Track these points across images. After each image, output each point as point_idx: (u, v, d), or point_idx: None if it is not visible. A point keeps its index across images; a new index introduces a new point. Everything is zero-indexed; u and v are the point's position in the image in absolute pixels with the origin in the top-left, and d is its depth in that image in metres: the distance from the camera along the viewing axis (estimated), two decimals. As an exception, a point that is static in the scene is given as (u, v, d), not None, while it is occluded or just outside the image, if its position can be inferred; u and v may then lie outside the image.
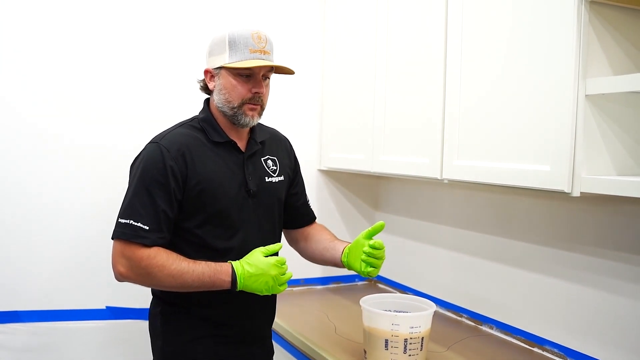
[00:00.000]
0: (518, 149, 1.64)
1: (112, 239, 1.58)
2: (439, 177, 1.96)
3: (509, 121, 1.68)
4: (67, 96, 2.36)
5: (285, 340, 2.24)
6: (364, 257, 1.69)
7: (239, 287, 1.57)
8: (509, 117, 1.67)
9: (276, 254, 1.66)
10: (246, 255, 1.61)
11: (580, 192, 1.50)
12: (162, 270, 1.54)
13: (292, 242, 1.98)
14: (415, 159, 2.08)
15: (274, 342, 1.92)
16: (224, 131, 1.69)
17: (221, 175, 1.65)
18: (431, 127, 1.98)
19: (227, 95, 1.64)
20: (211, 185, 1.62)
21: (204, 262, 1.57)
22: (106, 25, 2.40)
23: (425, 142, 2.02)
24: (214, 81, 1.67)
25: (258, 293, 1.59)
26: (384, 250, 1.71)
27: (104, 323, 2.45)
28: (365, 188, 2.96)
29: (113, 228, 1.58)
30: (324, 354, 1.94)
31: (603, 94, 1.47)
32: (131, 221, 1.55)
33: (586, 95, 1.48)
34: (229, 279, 1.56)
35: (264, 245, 1.65)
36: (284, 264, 1.61)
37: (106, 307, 2.44)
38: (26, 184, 2.30)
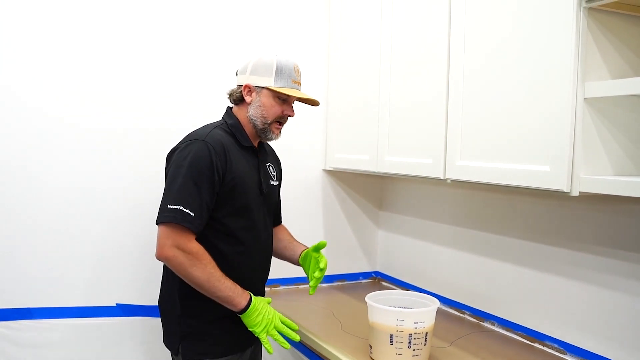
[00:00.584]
0: (519, 150, 1.69)
1: (159, 223, 1.78)
2: (442, 177, 2.01)
3: (510, 123, 1.73)
4: (88, 95, 2.39)
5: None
6: (316, 275, 2.03)
7: (246, 313, 1.84)
8: (510, 119, 1.72)
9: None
10: (260, 297, 1.92)
11: (579, 192, 1.54)
12: (204, 269, 1.78)
13: None
14: (419, 159, 2.13)
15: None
16: (249, 138, 1.98)
17: (246, 174, 1.92)
18: (434, 129, 2.03)
19: (264, 111, 1.93)
20: (241, 182, 1.88)
21: (231, 281, 1.83)
22: (127, 14, 2.44)
23: (429, 143, 2.07)
24: (251, 96, 1.94)
25: (249, 325, 1.87)
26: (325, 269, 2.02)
27: (114, 320, 2.47)
28: (370, 188, 3.01)
29: (158, 214, 1.79)
30: (330, 349, 1.99)
31: (601, 97, 1.52)
32: (181, 207, 1.76)
33: (585, 99, 1.53)
34: (245, 302, 1.84)
35: (267, 235, 2.04)
36: (288, 325, 1.92)
37: (116, 304, 2.47)
38: (39, 184, 2.33)
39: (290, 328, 1.91)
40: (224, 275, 1.81)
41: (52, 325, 2.38)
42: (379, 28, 2.38)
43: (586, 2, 1.50)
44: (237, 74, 2.02)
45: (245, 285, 1.89)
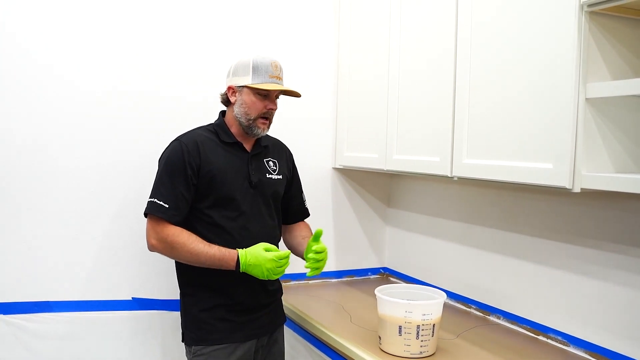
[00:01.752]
0: (523, 148, 1.76)
1: (144, 215, 2.02)
2: (449, 175, 2.07)
3: (514, 123, 1.79)
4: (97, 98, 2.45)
5: (303, 329, 2.37)
6: (310, 256, 2.04)
7: (242, 270, 1.94)
8: (515, 119, 1.79)
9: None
10: (252, 246, 1.98)
11: (581, 188, 1.60)
12: (183, 247, 1.94)
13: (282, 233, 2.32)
14: (426, 157, 2.19)
15: (293, 332, 2.14)
16: (233, 135, 2.10)
17: (228, 167, 2.04)
18: (442, 128, 2.10)
19: (246, 109, 2.05)
20: (220, 172, 2.01)
21: (217, 246, 1.96)
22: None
23: (436, 142, 2.13)
24: (235, 96, 2.07)
25: (257, 277, 1.95)
26: (325, 253, 2.06)
27: (130, 313, 2.53)
28: (378, 185, 3.07)
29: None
30: (341, 341, 2.06)
31: (602, 97, 1.58)
32: (155, 200, 1.97)
33: (586, 99, 1.59)
34: (233, 263, 1.94)
35: (262, 226, 2.09)
36: (282, 258, 1.96)
37: (132, 298, 2.52)
38: (55, 180, 2.39)
39: (283, 259, 1.97)
40: (208, 245, 1.95)
41: (71, 319, 2.43)
42: (388, 30, 2.44)
43: (588, 6, 1.55)
44: None
45: (246, 278, 1.99)
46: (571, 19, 1.58)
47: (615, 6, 1.53)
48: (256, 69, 2.02)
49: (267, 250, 1.96)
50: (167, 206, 1.95)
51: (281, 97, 2.16)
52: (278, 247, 2.11)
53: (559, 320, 2.06)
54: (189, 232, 1.97)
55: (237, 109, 2.07)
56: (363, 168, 2.71)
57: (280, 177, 2.20)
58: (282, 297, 2.26)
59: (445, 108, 2.08)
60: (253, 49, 2.64)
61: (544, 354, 1.98)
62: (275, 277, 1.98)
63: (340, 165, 2.88)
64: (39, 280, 2.39)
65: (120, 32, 2.47)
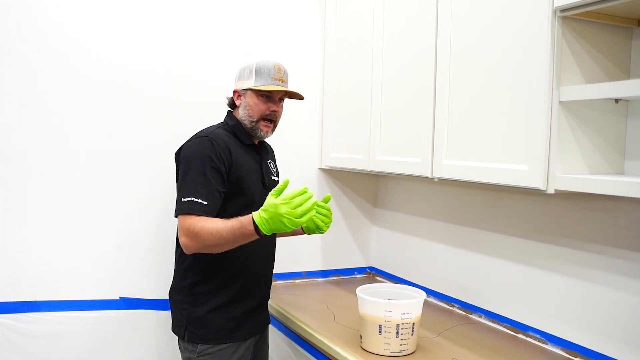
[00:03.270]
0: (499, 150, 1.79)
1: (177, 216, 1.91)
2: (429, 176, 2.11)
3: (491, 125, 1.82)
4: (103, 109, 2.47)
5: (287, 328, 2.40)
6: (315, 211, 1.85)
7: (264, 231, 1.75)
8: (491, 121, 1.82)
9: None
10: (264, 203, 1.77)
11: (555, 190, 1.64)
12: (203, 229, 1.82)
13: None
14: (408, 159, 2.23)
15: (278, 331, 2.17)
16: (250, 136, 2.11)
17: (250, 169, 2.06)
18: (423, 130, 2.13)
19: (249, 111, 2.06)
20: (246, 175, 2.03)
21: (233, 219, 1.81)
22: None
23: (418, 143, 2.16)
24: (240, 99, 2.09)
25: (284, 230, 1.74)
26: (329, 209, 2.08)
27: (118, 313, 2.54)
28: (364, 186, 3.10)
29: (175, 207, 1.91)
30: (323, 340, 2.08)
31: (575, 100, 1.61)
32: (193, 198, 1.88)
33: (560, 102, 1.62)
34: (252, 227, 1.77)
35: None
36: (293, 197, 1.73)
37: (120, 297, 2.54)
38: (47, 180, 2.40)
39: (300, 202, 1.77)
40: (225, 220, 1.82)
41: (58, 318, 2.45)
42: (371, 34, 2.48)
43: (560, 11, 1.59)
44: None
45: (251, 276, 2.07)
46: (544, 24, 1.61)
47: (588, 11, 1.57)
48: (259, 72, 2.03)
49: (276, 195, 1.76)
50: (207, 203, 1.89)
51: None
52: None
53: (538, 318, 2.10)
54: (205, 217, 1.86)
55: (241, 112, 2.09)
56: (348, 169, 2.74)
57: (277, 179, 2.25)
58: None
59: (425, 111, 2.12)
60: (239, 50, 2.67)
61: (522, 352, 2.01)
62: (301, 221, 1.73)
63: (326, 165, 2.91)
64: (27, 280, 2.40)
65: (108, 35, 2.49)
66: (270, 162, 2.23)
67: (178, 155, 2.04)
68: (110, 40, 2.48)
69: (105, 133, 2.50)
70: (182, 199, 1.90)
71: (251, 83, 2.04)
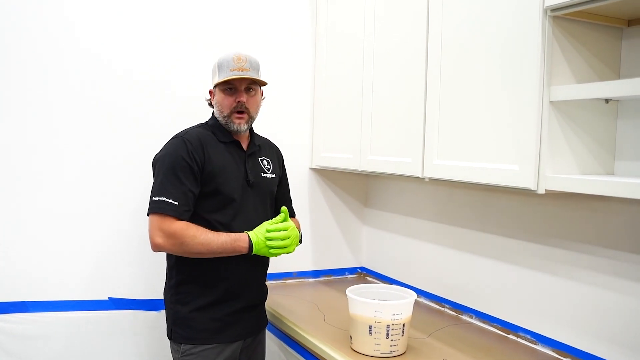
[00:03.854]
0: (490, 150, 1.78)
1: (148, 215, 1.94)
2: (420, 175, 2.10)
3: (482, 125, 1.81)
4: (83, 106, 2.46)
5: (277, 328, 2.38)
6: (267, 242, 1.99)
7: (254, 252, 1.95)
8: (482, 121, 1.81)
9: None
10: (257, 227, 1.99)
11: (545, 190, 1.63)
12: (194, 240, 1.90)
13: None
14: (399, 158, 2.22)
15: (268, 332, 2.13)
16: (229, 133, 2.08)
17: (228, 166, 2.04)
18: (413, 130, 2.12)
19: (219, 107, 2.07)
20: (221, 172, 2.00)
21: (225, 233, 1.95)
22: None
23: (408, 143, 2.16)
24: (213, 98, 2.11)
25: (274, 255, 2.00)
26: (288, 231, 2.00)
27: (107, 313, 2.53)
28: (355, 186, 3.09)
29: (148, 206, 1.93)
30: (313, 341, 2.08)
31: (566, 100, 1.61)
32: (163, 198, 1.91)
33: (550, 102, 1.62)
34: (246, 245, 1.94)
35: (257, 225, 2.02)
36: (279, 229, 1.97)
37: (108, 298, 2.52)
38: (32, 180, 2.39)
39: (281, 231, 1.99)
40: (216, 234, 1.93)
41: (47, 319, 2.43)
42: (362, 33, 2.47)
43: (551, 10, 1.58)
44: None
45: (238, 277, 2.04)
46: (535, 24, 1.61)
47: (578, 11, 1.56)
48: (220, 67, 2.03)
49: (269, 230, 1.97)
50: (177, 203, 1.91)
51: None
52: None
53: (529, 319, 2.09)
54: (195, 225, 1.93)
55: (215, 110, 2.10)
56: (339, 168, 2.73)
57: (273, 176, 2.21)
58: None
59: (416, 110, 2.11)
60: (228, 49, 2.65)
61: (512, 353, 2.01)
62: (290, 250, 2.01)
63: (317, 165, 2.90)
64: (15, 280, 2.38)
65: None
66: (263, 159, 2.19)
67: (155, 157, 2.06)
68: (106, 39, 2.48)
69: (95, 134, 2.49)
70: (153, 198, 1.93)
71: (215, 80, 2.05)
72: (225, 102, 2.04)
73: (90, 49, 2.46)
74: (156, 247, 1.93)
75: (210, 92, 2.13)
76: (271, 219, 2.07)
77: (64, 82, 2.42)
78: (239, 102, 2.03)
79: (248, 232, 1.97)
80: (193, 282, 2.02)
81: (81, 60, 2.44)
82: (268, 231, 1.96)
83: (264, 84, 2.11)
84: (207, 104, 2.17)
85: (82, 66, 2.44)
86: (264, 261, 2.15)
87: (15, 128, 2.36)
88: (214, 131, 2.08)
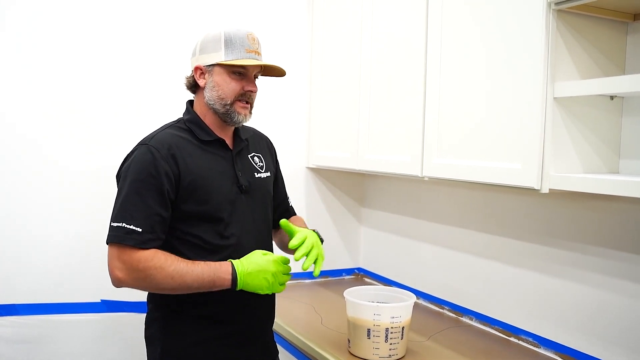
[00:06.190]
0: (492, 148, 1.74)
1: (107, 243, 1.57)
2: (419, 175, 2.05)
3: (483, 122, 1.77)
4: (62, 110, 2.42)
5: (273, 331, 2.33)
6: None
7: (239, 285, 1.56)
8: (484, 118, 1.77)
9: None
10: (246, 255, 1.61)
11: (549, 189, 1.59)
12: (160, 272, 1.52)
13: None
14: (397, 157, 2.18)
15: None
16: (211, 130, 1.71)
17: (213, 172, 1.66)
18: (412, 127, 2.08)
19: (220, 91, 1.66)
20: (205, 182, 1.63)
21: (202, 262, 1.57)
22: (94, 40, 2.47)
23: (407, 141, 2.11)
24: (204, 78, 1.68)
25: (258, 292, 1.58)
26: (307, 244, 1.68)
27: (99, 316, 2.50)
28: (352, 185, 3.04)
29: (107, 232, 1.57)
30: (310, 344, 2.03)
31: (570, 96, 1.57)
32: (123, 224, 1.54)
33: (554, 98, 1.58)
34: (229, 277, 1.56)
35: (258, 239, 1.72)
36: (286, 262, 1.64)
37: (101, 300, 2.49)
38: (22, 182, 2.36)
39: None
40: (191, 263, 1.56)
41: (37, 322, 2.41)
42: (360, 32, 2.42)
43: (555, 4, 1.54)
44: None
45: (238, 299, 1.65)
46: (539, 18, 1.57)
47: (582, 5, 1.53)
48: (229, 43, 1.63)
49: (264, 254, 1.62)
50: (140, 230, 1.53)
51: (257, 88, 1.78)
52: None
53: (530, 321, 2.05)
54: (164, 252, 1.56)
55: (208, 94, 1.68)
56: (335, 168, 2.69)
57: (268, 174, 1.84)
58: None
59: (415, 107, 2.06)
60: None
61: (514, 356, 1.97)
62: (281, 289, 1.63)
63: (313, 164, 2.86)
64: (6, 282, 2.36)
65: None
66: (254, 156, 1.82)
67: (119, 168, 1.68)
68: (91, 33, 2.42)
69: (90, 132, 2.46)
70: (112, 224, 1.56)
71: (220, 57, 1.64)
72: (232, 86, 1.66)
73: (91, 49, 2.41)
74: (117, 282, 1.57)
75: (198, 69, 1.69)
76: (270, 225, 1.83)
77: (56, 87, 2.39)
78: (249, 91, 1.69)
79: (232, 261, 1.59)
80: (180, 314, 1.67)
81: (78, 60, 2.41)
82: (265, 255, 1.61)
83: (283, 74, 1.77)
84: (185, 85, 1.76)
85: (74, 64, 2.42)
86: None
87: (5, 130, 2.33)
88: (192, 128, 1.69)
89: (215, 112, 1.69)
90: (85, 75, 2.46)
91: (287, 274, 1.64)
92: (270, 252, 1.66)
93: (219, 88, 1.66)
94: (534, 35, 1.58)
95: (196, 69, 1.69)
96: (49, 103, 2.39)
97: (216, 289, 1.58)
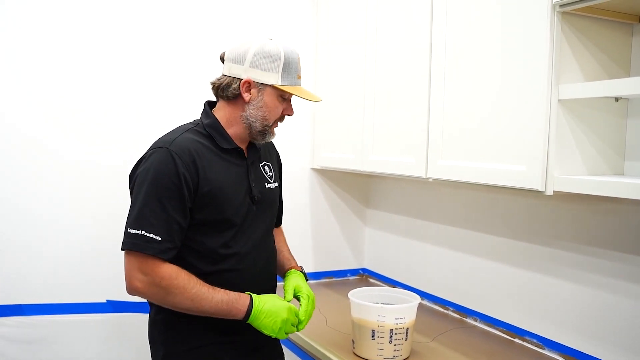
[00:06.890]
0: (496, 150, 1.74)
1: (122, 249, 1.54)
2: (424, 176, 2.05)
3: (488, 124, 1.77)
4: (68, 102, 2.42)
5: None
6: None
7: (250, 319, 1.56)
8: (488, 120, 1.77)
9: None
10: (265, 294, 1.62)
11: (554, 191, 1.59)
12: (182, 293, 1.51)
13: None
14: (402, 158, 2.18)
15: None
16: (232, 139, 1.67)
17: (229, 182, 1.63)
18: (417, 129, 2.08)
19: (266, 113, 1.64)
20: (221, 193, 1.59)
21: (222, 290, 1.55)
22: (98, 42, 2.47)
23: (412, 143, 2.11)
24: (250, 93, 1.62)
25: (262, 330, 1.58)
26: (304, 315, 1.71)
27: (105, 316, 2.50)
28: (357, 186, 3.04)
29: (122, 239, 1.54)
30: (315, 345, 2.03)
31: (575, 99, 1.57)
32: (143, 232, 1.50)
33: (559, 100, 1.58)
34: (244, 309, 1.55)
35: (261, 249, 1.72)
36: (297, 315, 1.66)
37: (107, 300, 2.49)
38: (28, 182, 2.36)
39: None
40: (211, 289, 1.54)
41: (43, 322, 2.41)
42: (365, 33, 2.42)
43: (560, 6, 1.54)
44: (223, 60, 1.69)
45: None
46: (543, 20, 1.57)
47: (587, 7, 1.52)
48: (287, 66, 1.62)
49: (282, 300, 1.65)
50: (160, 239, 1.49)
51: None
52: None
53: (535, 322, 2.05)
54: (186, 272, 1.54)
55: (252, 110, 1.63)
56: (340, 169, 2.69)
57: (276, 184, 1.83)
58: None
59: (420, 109, 2.06)
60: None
61: (518, 357, 1.97)
62: (285, 336, 1.63)
63: (318, 165, 2.86)
64: (11, 283, 2.35)
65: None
66: (265, 165, 1.79)
67: (135, 168, 1.63)
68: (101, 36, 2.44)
69: (96, 131, 2.46)
70: (129, 230, 1.52)
71: (277, 79, 1.61)
72: (278, 110, 1.66)
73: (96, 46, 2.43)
74: (133, 291, 1.54)
75: (247, 83, 1.61)
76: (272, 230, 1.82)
77: (60, 85, 2.39)
78: (286, 114, 1.71)
79: (252, 294, 1.59)
80: (183, 318, 1.61)
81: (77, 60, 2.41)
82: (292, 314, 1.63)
83: (320, 100, 1.79)
84: (212, 87, 1.69)
85: (76, 66, 2.42)
86: (270, 281, 1.80)
87: (10, 130, 2.33)
88: (213, 134, 1.64)
89: (249, 127, 1.66)
90: (93, 75, 2.46)
91: (294, 325, 1.66)
92: (287, 301, 1.67)
93: (267, 109, 1.64)
94: (539, 37, 1.58)
95: (245, 82, 1.61)
96: (52, 103, 2.39)
97: (228, 318, 1.57)
